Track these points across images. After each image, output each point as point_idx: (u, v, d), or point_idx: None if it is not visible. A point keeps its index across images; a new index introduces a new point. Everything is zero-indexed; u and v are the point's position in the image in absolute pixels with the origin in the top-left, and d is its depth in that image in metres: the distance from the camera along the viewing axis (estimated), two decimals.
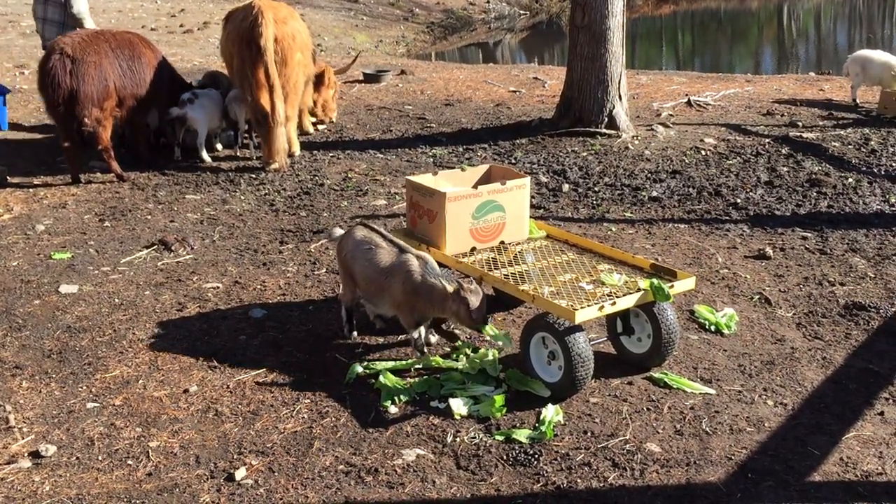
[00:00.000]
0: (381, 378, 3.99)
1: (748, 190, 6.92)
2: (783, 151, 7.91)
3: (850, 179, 7.07)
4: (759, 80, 11.92)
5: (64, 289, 5.14)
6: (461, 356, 4.24)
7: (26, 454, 3.55)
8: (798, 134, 8.48)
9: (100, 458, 3.52)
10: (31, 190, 7.15)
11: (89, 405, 3.91)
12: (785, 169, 7.40)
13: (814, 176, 7.15)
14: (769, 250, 5.59)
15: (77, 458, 3.52)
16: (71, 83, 6.84)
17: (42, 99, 7.25)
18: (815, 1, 29.40)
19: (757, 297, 4.98)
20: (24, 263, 5.56)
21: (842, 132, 8.54)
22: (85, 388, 4.06)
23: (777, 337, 4.51)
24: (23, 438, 3.66)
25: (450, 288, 3.94)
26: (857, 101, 9.73)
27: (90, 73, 6.91)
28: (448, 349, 4.36)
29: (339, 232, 4.56)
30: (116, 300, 5.00)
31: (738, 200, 6.67)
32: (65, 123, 7.09)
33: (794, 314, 4.78)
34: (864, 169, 7.38)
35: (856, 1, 29.37)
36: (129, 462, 3.49)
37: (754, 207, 6.53)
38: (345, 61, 12.89)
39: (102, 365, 4.27)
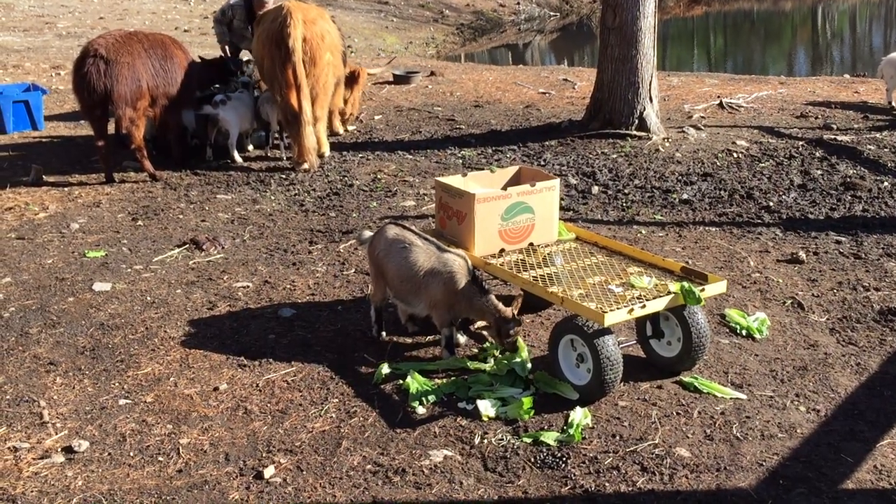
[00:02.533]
0: (409, 379, 4.00)
1: (781, 193, 6.84)
2: (817, 154, 7.80)
3: (886, 183, 6.96)
4: (792, 82, 11.77)
5: (97, 287, 5.22)
6: (489, 357, 4.24)
7: (60, 449, 3.60)
8: (832, 137, 8.37)
9: (131, 454, 3.57)
10: (65, 189, 7.26)
11: (121, 402, 3.96)
12: (819, 172, 7.30)
13: (848, 179, 7.04)
14: (802, 254, 5.52)
15: (109, 453, 3.57)
16: (105, 84, 6.95)
17: (77, 100, 7.37)
18: (850, 2, 28.98)
19: (789, 301, 4.92)
20: (59, 261, 5.65)
21: (877, 135, 8.41)
22: (117, 384, 4.11)
23: (810, 342, 4.45)
24: (56, 434, 3.72)
25: (501, 308, 3.98)
26: (893, 103, 9.58)
27: (123, 73, 7.02)
28: (476, 350, 4.36)
29: (368, 234, 4.57)
30: (148, 298, 5.06)
31: (771, 204, 6.59)
32: (99, 124, 7.22)
33: (828, 319, 4.71)
34: None
35: (892, 2, 28.89)
36: (160, 458, 3.53)
37: (787, 211, 6.45)
38: (375, 62, 12.95)
39: (134, 362, 4.32)
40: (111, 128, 7.53)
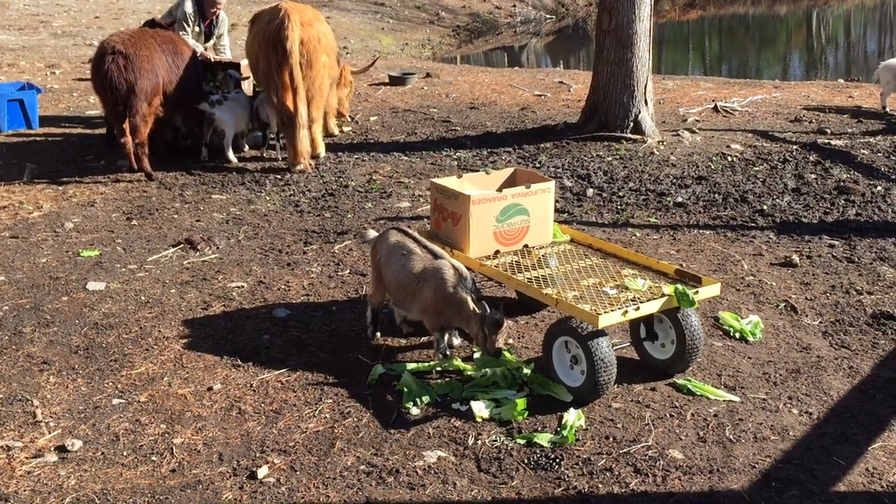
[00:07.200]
0: (404, 379, 4.00)
1: (775, 197, 6.87)
2: (811, 158, 7.84)
3: (879, 187, 6.99)
4: (787, 87, 11.82)
5: (91, 286, 5.21)
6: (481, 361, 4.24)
7: (53, 448, 3.60)
8: (826, 141, 8.40)
9: (124, 453, 3.56)
10: (60, 188, 7.24)
11: (115, 401, 3.96)
12: (812, 176, 7.33)
13: (842, 183, 7.07)
14: (796, 258, 5.54)
15: (102, 453, 3.57)
16: (126, 80, 6.97)
17: (99, 99, 7.33)
18: (845, 7, 29.09)
19: (783, 304, 4.94)
20: (53, 260, 5.64)
21: (871, 139, 8.45)
22: (111, 384, 4.11)
23: (803, 345, 4.47)
24: (50, 433, 3.71)
25: (477, 309, 3.95)
26: (887, 108, 9.62)
27: (144, 67, 7.06)
28: (472, 351, 4.36)
29: (372, 234, 4.57)
30: (143, 298, 5.05)
31: (765, 207, 6.61)
32: (122, 122, 7.16)
33: (821, 322, 4.73)
34: (894, 177, 7.29)
35: (886, 7, 29.01)
36: (154, 458, 3.53)
37: (781, 214, 6.48)
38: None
39: (128, 362, 4.31)
40: (102, 129, 7.46)
